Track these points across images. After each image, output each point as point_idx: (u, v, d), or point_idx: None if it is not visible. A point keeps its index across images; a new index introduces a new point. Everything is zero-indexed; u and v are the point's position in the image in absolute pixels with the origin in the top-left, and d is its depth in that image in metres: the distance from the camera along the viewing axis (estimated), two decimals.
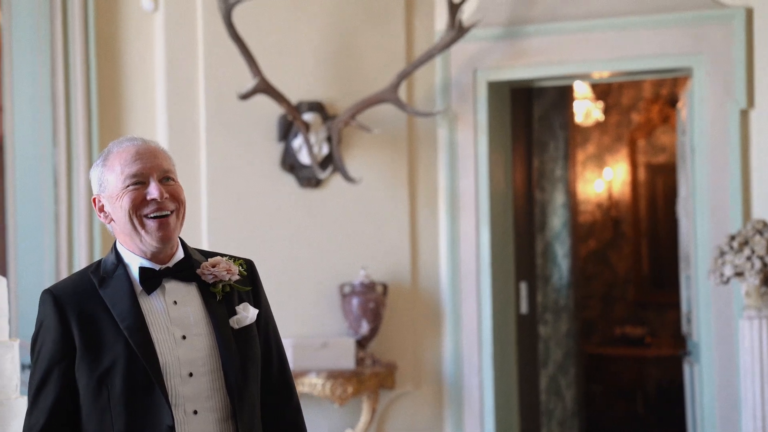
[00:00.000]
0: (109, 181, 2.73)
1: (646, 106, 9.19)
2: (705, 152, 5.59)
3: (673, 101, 8.67)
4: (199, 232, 5.72)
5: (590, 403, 8.40)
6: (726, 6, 5.54)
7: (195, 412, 2.68)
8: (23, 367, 4.44)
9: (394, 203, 5.97)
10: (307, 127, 5.70)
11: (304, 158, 5.78)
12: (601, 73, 6.03)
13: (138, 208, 2.69)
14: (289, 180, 5.85)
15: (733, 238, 4.97)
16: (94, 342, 2.65)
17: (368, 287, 5.75)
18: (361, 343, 5.77)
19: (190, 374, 2.68)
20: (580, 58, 5.85)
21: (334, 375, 5.56)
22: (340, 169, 5.72)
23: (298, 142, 5.78)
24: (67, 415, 2.67)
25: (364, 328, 5.75)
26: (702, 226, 5.61)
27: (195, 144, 5.75)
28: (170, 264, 2.76)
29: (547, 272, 7.47)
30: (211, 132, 5.74)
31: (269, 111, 5.76)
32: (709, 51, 5.57)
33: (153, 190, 2.70)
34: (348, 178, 5.70)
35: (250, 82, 5.49)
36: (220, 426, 2.70)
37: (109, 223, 2.77)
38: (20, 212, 5.49)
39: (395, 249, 5.96)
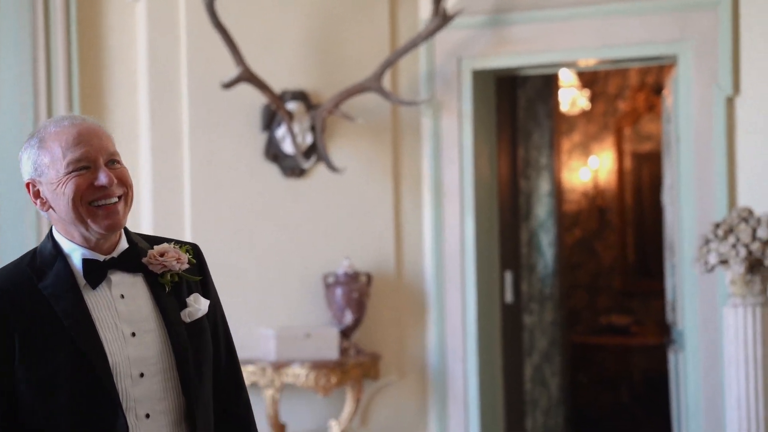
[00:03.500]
0: (47, 164, 2.47)
1: (631, 95, 9.18)
2: (690, 140, 5.58)
3: (658, 89, 8.65)
4: (182, 222, 5.68)
5: (575, 392, 8.39)
6: None
7: (147, 416, 2.46)
8: None
9: (378, 193, 5.94)
10: (290, 116, 5.67)
11: (288, 148, 5.75)
12: (587, 61, 6.01)
13: (84, 195, 2.44)
14: (272, 169, 5.82)
15: (718, 226, 4.96)
16: (34, 343, 2.40)
17: (352, 277, 5.73)
18: (345, 333, 5.75)
19: (141, 374, 2.46)
20: (565, 46, 5.83)
21: (317, 365, 5.54)
22: (323, 158, 5.69)
23: (281, 132, 5.75)
24: (6, 426, 2.40)
25: (348, 318, 5.73)
26: (687, 214, 5.60)
27: (178, 134, 5.71)
28: (115, 254, 2.52)
29: (532, 261, 7.45)
30: (194, 121, 5.70)
31: (252, 100, 5.73)
32: (694, 38, 5.56)
33: (102, 177, 2.46)
34: (332, 167, 5.67)
35: (233, 71, 5.46)
36: (174, 430, 2.49)
37: (46, 210, 2.50)
38: (1, 205, 5.44)
39: (379, 238, 5.94)
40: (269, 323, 5.73)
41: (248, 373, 5.53)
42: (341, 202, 5.89)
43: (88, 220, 2.45)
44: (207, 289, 2.66)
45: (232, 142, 5.77)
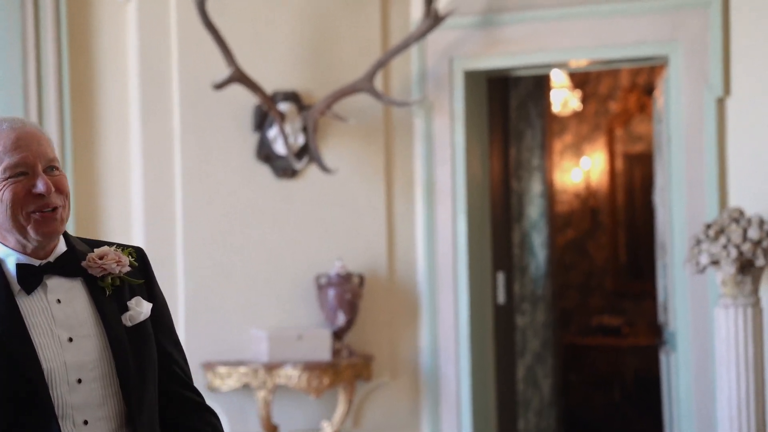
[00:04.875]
0: None
1: (623, 95, 9.19)
2: (681, 141, 5.58)
3: (649, 90, 8.67)
4: (173, 223, 5.68)
5: (567, 393, 8.40)
6: None
7: (85, 423, 2.37)
8: None
9: (371, 193, 5.94)
10: (282, 117, 5.67)
11: (280, 148, 5.75)
12: (578, 62, 6.02)
13: (23, 204, 2.37)
14: (264, 170, 5.82)
15: (709, 226, 4.97)
16: None
17: (344, 278, 5.72)
18: (338, 335, 5.74)
19: (79, 380, 2.38)
20: (556, 46, 5.83)
21: (310, 367, 5.54)
22: (315, 159, 5.69)
23: (273, 133, 5.74)
24: None
25: (341, 319, 5.72)
26: (678, 214, 5.61)
27: (169, 134, 5.70)
28: (51, 258, 2.44)
29: (525, 262, 7.46)
30: (186, 122, 5.70)
31: (244, 101, 5.73)
32: (685, 39, 5.57)
33: (40, 185, 2.38)
34: (324, 168, 5.67)
35: (224, 72, 5.45)
36: None
37: None
38: None
39: (371, 240, 5.94)
40: (261, 324, 5.72)
41: (240, 374, 5.52)
42: (333, 202, 5.89)
43: (27, 227, 2.38)
44: (153, 292, 2.59)
45: (223, 142, 5.77)
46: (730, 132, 5.49)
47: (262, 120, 5.77)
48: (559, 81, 8.47)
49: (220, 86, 5.43)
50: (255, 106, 5.76)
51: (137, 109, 5.70)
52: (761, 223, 4.91)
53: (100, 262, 2.47)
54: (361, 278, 5.81)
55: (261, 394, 5.54)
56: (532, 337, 7.47)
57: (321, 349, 5.62)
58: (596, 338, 9.05)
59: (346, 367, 5.66)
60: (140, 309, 2.50)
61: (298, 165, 5.76)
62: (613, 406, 8.89)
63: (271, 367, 5.53)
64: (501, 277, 6.67)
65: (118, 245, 2.55)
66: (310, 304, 5.82)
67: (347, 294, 5.71)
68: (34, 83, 5.45)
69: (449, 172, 5.96)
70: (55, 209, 2.40)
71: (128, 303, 2.50)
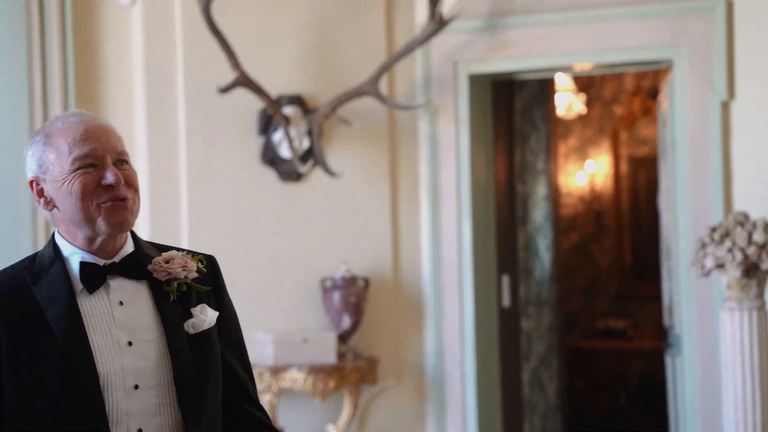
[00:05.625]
0: (52, 161, 2.35)
1: (627, 99, 9.19)
2: (686, 144, 5.58)
3: (654, 93, 8.67)
4: (179, 226, 5.68)
5: (573, 397, 8.39)
6: None
7: (140, 431, 2.31)
8: None
9: (375, 197, 5.94)
10: (287, 120, 5.67)
11: (285, 152, 5.75)
12: (583, 65, 6.02)
13: (92, 195, 2.32)
14: (269, 174, 5.82)
15: (714, 230, 4.96)
16: (23, 348, 2.28)
17: (349, 281, 5.73)
18: (343, 338, 5.75)
19: (136, 386, 2.32)
20: (561, 50, 5.84)
21: (315, 370, 5.54)
22: (320, 162, 5.70)
23: (278, 136, 5.75)
24: None
25: (346, 322, 5.72)
26: (683, 218, 5.61)
27: (174, 138, 5.71)
28: (116, 258, 2.39)
29: (529, 265, 7.46)
30: (191, 126, 5.70)
31: (249, 105, 5.73)
32: (689, 43, 5.57)
33: (109, 176, 2.33)
34: (329, 171, 5.67)
35: (229, 76, 5.45)
36: None
37: (50, 210, 2.38)
38: None
39: (376, 243, 5.94)
40: (267, 328, 5.72)
41: None
42: (338, 206, 5.89)
43: (97, 219, 2.33)
44: (222, 302, 2.51)
45: (228, 146, 5.77)
46: (735, 135, 5.49)
47: (267, 123, 5.78)
48: (564, 84, 8.47)
49: (225, 90, 5.43)
50: (260, 109, 5.76)
51: (143, 113, 5.71)
52: (766, 226, 4.90)
53: (165, 266, 2.42)
54: (366, 281, 5.81)
55: (266, 398, 5.55)
56: (537, 341, 7.47)
57: (326, 352, 5.62)
58: (601, 341, 9.04)
59: (352, 371, 5.66)
60: (204, 317, 2.43)
61: (302, 168, 5.77)
62: (618, 409, 8.88)
63: (276, 371, 5.54)
64: (506, 281, 6.67)
65: (189, 252, 2.49)
66: (315, 308, 5.83)
67: (352, 297, 5.71)
68: (39, 87, 5.46)
69: (454, 175, 5.96)
70: (125, 200, 2.35)
71: (192, 310, 2.43)
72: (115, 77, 5.72)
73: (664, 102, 6.08)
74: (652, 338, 8.59)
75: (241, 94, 5.59)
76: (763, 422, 4.88)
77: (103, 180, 2.33)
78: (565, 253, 9.14)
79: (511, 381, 6.81)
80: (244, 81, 5.44)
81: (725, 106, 5.50)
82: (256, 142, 5.80)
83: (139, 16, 5.70)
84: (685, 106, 5.58)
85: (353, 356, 5.75)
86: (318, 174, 5.82)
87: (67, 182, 2.33)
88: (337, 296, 5.71)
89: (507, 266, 6.73)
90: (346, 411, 5.76)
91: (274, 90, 5.72)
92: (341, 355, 5.71)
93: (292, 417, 5.79)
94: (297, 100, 5.77)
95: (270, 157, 5.80)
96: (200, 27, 5.46)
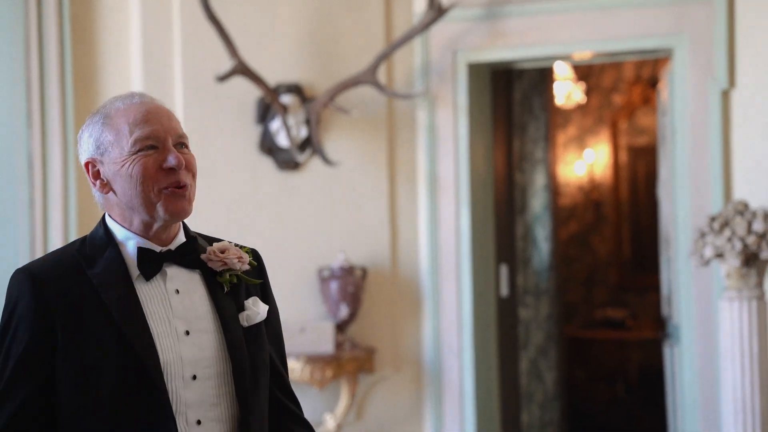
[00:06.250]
0: (111, 142, 2.29)
1: (627, 88, 9.17)
2: (686, 133, 5.56)
3: (653, 82, 8.65)
4: None
5: (571, 387, 8.39)
6: None
7: (198, 423, 2.27)
8: None
9: (374, 186, 5.93)
10: (285, 109, 5.65)
11: (283, 141, 5.73)
12: (582, 54, 6.00)
13: (154, 179, 2.28)
14: (267, 163, 5.81)
15: (713, 219, 4.95)
16: (79, 332, 2.22)
17: (347, 271, 5.71)
18: (340, 327, 5.74)
19: (194, 377, 2.27)
20: (560, 38, 5.81)
21: (312, 359, 5.53)
22: (318, 151, 5.68)
23: (276, 125, 5.73)
24: (42, 419, 2.22)
25: (343, 312, 5.71)
26: (682, 207, 5.59)
27: None
28: (172, 246, 2.35)
29: (528, 255, 7.44)
30: (189, 114, 5.68)
31: (247, 93, 5.71)
32: (689, 31, 5.54)
33: (171, 159, 2.29)
34: (327, 160, 5.65)
35: (227, 64, 5.43)
36: None
37: (105, 193, 2.32)
38: None
39: (374, 232, 5.92)
40: None
41: None
42: (336, 195, 5.87)
43: (157, 204, 2.28)
44: (266, 294, 2.50)
45: (226, 135, 5.75)
46: (735, 124, 5.47)
47: (265, 112, 5.76)
48: (563, 73, 8.44)
49: (223, 78, 5.41)
50: (258, 98, 5.74)
51: None
52: (766, 215, 4.89)
53: (221, 255, 2.38)
54: (364, 271, 5.80)
55: None
56: (536, 331, 7.46)
57: (324, 341, 5.61)
58: (600, 332, 9.03)
59: (349, 360, 5.65)
60: (257, 309, 2.41)
61: (300, 157, 5.75)
62: (616, 399, 8.87)
63: None
64: (504, 270, 6.66)
65: (236, 244, 2.47)
66: (312, 297, 5.81)
67: (350, 287, 5.70)
68: (36, 75, 5.44)
69: (452, 164, 5.95)
70: (184, 187, 2.31)
71: (245, 302, 2.40)
72: (113, 65, 5.70)
73: (663, 91, 6.06)
74: (651, 328, 8.59)
75: (239, 82, 5.57)
76: (762, 411, 4.87)
77: (165, 163, 2.29)
78: (564, 243, 9.13)
79: (509, 371, 6.80)
80: (242, 69, 5.42)
81: (725, 95, 5.48)
82: (254, 131, 5.79)
83: (136, 4, 5.68)
84: (685, 95, 5.56)
85: (351, 346, 5.74)
86: (316, 163, 5.80)
87: (127, 164, 2.27)
88: (334, 286, 5.70)
89: (505, 256, 6.71)
90: (343, 400, 5.76)
91: (272, 78, 5.70)
92: (339, 345, 5.70)
93: None
94: (295, 89, 5.75)
95: (268, 146, 5.78)
96: (198, 15, 5.44)
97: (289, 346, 5.54)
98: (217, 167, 5.73)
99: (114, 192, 2.31)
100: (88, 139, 2.33)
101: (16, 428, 2.21)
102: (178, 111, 5.67)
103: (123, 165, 2.27)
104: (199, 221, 5.61)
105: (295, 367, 5.51)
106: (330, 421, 5.73)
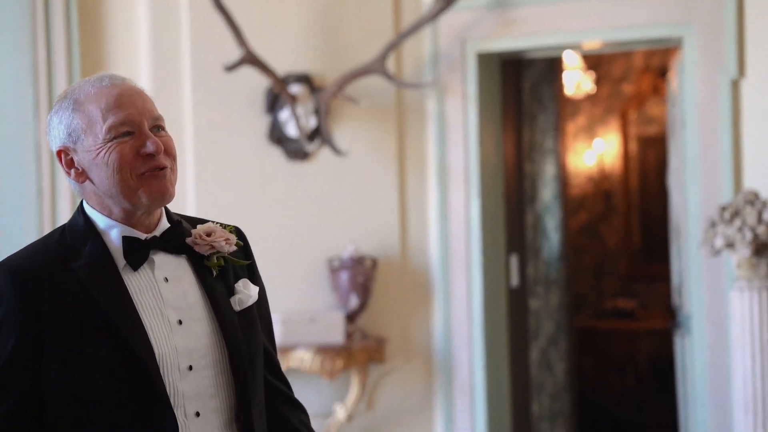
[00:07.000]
0: (83, 129, 2.18)
1: (636, 78, 9.14)
2: (696, 123, 5.54)
3: (663, 72, 8.62)
4: (185, 205, 5.66)
5: (581, 377, 8.38)
6: None
7: (197, 414, 2.19)
8: None
9: (383, 176, 5.92)
10: (294, 99, 5.64)
11: (292, 131, 5.72)
12: (592, 44, 5.98)
13: (131, 166, 2.17)
14: (276, 153, 5.80)
15: (724, 209, 4.93)
16: (68, 329, 2.12)
17: (357, 261, 5.71)
18: (351, 318, 5.73)
19: (190, 367, 2.19)
20: (570, 28, 5.79)
21: (323, 350, 5.52)
22: (327, 141, 5.67)
23: (285, 115, 5.72)
24: (31, 424, 2.12)
25: (353, 302, 5.71)
26: (693, 197, 5.57)
27: (181, 116, 5.68)
28: (157, 232, 2.25)
29: (538, 245, 7.43)
30: (197, 104, 5.68)
31: (256, 83, 5.70)
32: (699, 20, 5.52)
33: (149, 145, 2.18)
34: (336, 150, 5.65)
35: (235, 54, 5.43)
36: (227, 431, 2.24)
37: (82, 182, 2.22)
38: (2, 188, 5.42)
39: (384, 222, 5.92)
40: (274, 307, 5.64)
41: None
42: (346, 185, 5.87)
43: (138, 191, 2.18)
44: (254, 275, 2.41)
45: (235, 125, 5.75)
46: (745, 114, 5.45)
47: (274, 102, 5.75)
48: (573, 63, 8.42)
49: (231, 68, 5.40)
50: (267, 88, 5.73)
51: (149, 92, 5.65)
52: None
53: (208, 239, 2.29)
54: (374, 261, 5.79)
55: None
56: (546, 321, 7.45)
57: (334, 332, 5.61)
58: (610, 322, 9.03)
59: (359, 350, 5.65)
60: (249, 292, 2.33)
61: (310, 147, 5.74)
62: (627, 390, 8.87)
63: (283, 350, 5.52)
64: (514, 260, 6.65)
65: (219, 223, 2.38)
66: (322, 287, 5.81)
67: (360, 277, 5.69)
68: (44, 65, 5.43)
69: (462, 154, 5.93)
70: (164, 168, 2.21)
71: (236, 286, 2.32)
72: (121, 55, 5.70)
73: (673, 80, 6.04)
74: (661, 318, 8.57)
75: (248, 72, 5.56)
76: None
77: (143, 149, 2.19)
78: (574, 233, 9.12)
79: (519, 361, 6.79)
80: (251, 59, 5.41)
81: (735, 85, 5.45)
82: (263, 121, 5.78)
83: None
84: (694, 84, 5.54)
85: (361, 336, 5.74)
86: (325, 153, 5.79)
87: (102, 152, 2.17)
88: (344, 276, 5.70)
89: (515, 246, 6.70)
90: (353, 391, 5.76)
91: (281, 68, 5.69)
92: (349, 335, 5.69)
93: (300, 397, 5.73)
94: (304, 79, 5.74)
95: (277, 136, 5.77)
96: (206, 4, 5.43)
97: (299, 336, 5.57)
98: (226, 157, 5.73)
99: (91, 181, 2.21)
100: (58, 126, 2.22)
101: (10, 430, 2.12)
102: (187, 101, 5.67)
103: (98, 153, 2.17)
104: (207, 211, 5.63)
105: (305, 358, 5.51)
106: (340, 412, 5.73)
